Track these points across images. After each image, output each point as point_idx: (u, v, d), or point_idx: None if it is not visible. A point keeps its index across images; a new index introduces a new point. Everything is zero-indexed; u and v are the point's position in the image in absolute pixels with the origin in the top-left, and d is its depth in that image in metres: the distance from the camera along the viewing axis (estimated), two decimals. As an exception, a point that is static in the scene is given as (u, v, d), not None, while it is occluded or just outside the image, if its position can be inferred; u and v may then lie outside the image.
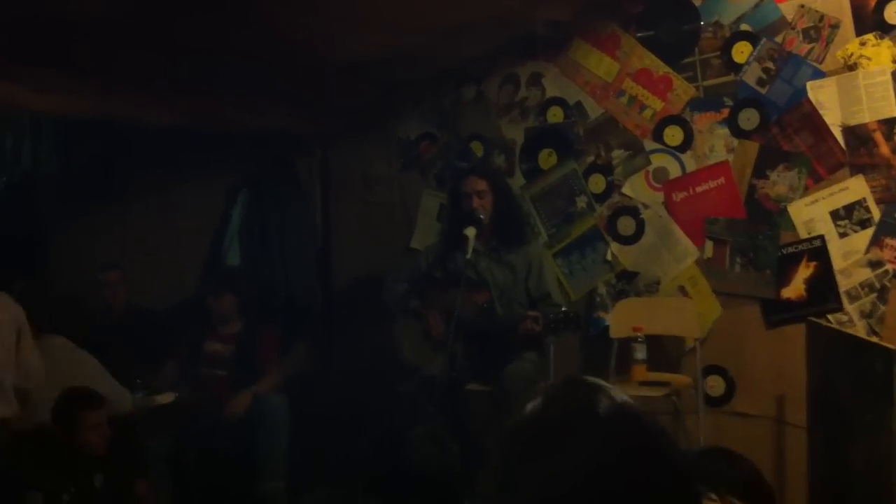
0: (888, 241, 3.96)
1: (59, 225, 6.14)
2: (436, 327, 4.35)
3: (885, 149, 3.95)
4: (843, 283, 4.04)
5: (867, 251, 4.01)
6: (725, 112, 4.32)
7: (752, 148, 4.26)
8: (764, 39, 4.21)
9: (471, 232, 4.20)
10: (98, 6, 3.60)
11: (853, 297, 4.02)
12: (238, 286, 5.13)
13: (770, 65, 4.20)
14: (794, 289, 4.16)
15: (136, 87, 4.52)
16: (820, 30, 4.07)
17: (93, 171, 5.99)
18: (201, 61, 4.38)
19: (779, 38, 4.18)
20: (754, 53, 4.23)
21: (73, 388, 3.80)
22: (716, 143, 4.36)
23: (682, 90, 4.43)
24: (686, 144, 4.44)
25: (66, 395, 3.76)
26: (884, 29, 3.95)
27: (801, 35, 4.13)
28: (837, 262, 4.06)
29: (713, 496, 2.03)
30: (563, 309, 4.12)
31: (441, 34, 4.54)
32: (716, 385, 4.36)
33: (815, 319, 3.90)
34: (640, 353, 4.21)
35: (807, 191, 4.14)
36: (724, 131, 4.33)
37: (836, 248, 4.07)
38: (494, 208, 4.36)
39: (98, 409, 3.76)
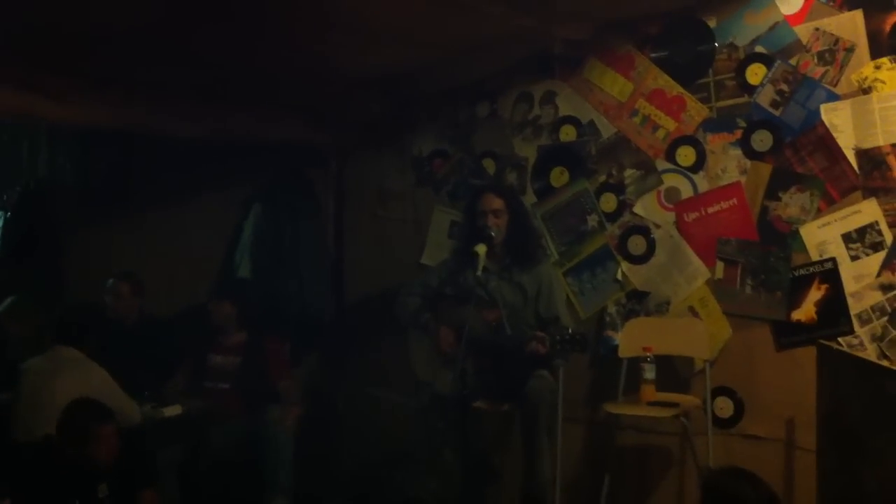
0: (900, 264, 3.95)
1: (74, 233, 6.17)
2: (445, 343, 4.35)
3: (898, 173, 3.94)
4: (855, 307, 4.02)
5: (879, 274, 3.99)
6: (739, 133, 4.32)
7: (765, 169, 4.26)
8: (778, 62, 4.22)
9: (481, 249, 4.21)
10: (117, 17, 3.64)
11: (864, 321, 4.00)
12: (238, 295, 5.10)
13: (784, 87, 4.20)
14: (805, 311, 4.15)
15: (154, 98, 4.57)
16: (835, 53, 4.08)
17: (109, 181, 6.03)
18: (219, 73, 4.42)
19: (793, 61, 4.19)
20: (768, 75, 4.24)
21: (80, 400, 3.80)
22: (728, 164, 4.36)
23: (696, 111, 4.44)
24: (699, 165, 4.44)
25: (74, 406, 3.75)
26: (899, 53, 3.95)
27: (815, 58, 4.13)
28: (849, 285, 4.05)
29: None
30: (570, 330, 4.12)
31: (457, 50, 4.57)
32: (725, 407, 4.34)
33: (825, 342, 3.88)
34: (650, 373, 4.20)
35: (819, 213, 4.13)
36: (737, 152, 4.33)
37: (847, 270, 4.05)
38: (509, 228, 4.37)
39: (108, 421, 3.76)
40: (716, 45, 4.37)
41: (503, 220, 4.36)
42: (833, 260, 4.08)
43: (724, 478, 2.38)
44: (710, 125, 4.40)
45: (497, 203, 4.36)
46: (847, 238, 4.06)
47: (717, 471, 2.89)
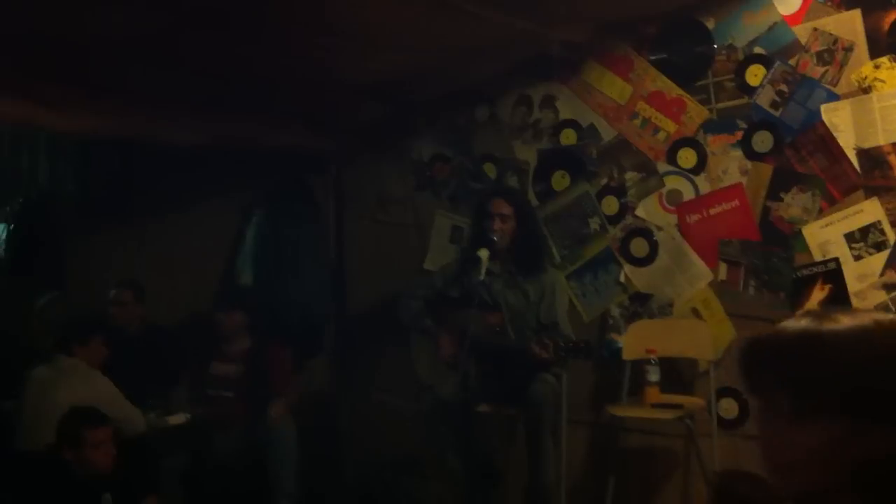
0: (903, 264, 3.95)
1: (76, 243, 6.17)
2: (447, 347, 4.34)
3: (899, 171, 3.94)
4: (858, 306, 4.02)
5: (882, 274, 3.99)
6: (739, 134, 4.32)
7: (766, 170, 4.25)
8: (777, 62, 4.21)
9: (483, 254, 4.20)
10: (115, 25, 3.63)
11: (868, 321, 3.99)
12: (247, 303, 5.11)
13: (784, 87, 4.20)
14: (809, 311, 4.14)
15: (154, 106, 4.55)
16: (834, 52, 4.08)
17: (110, 189, 6.02)
18: (218, 80, 4.41)
19: (792, 61, 4.18)
20: (768, 76, 4.24)
21: (76, 408, 3.81)
22: (729, 165, 4.35)
23: (696, 112, 4.43)
24: (699, 167, 4.43)
25: (69, 413, 3.76)
26: (898, 52, 3.95)
27: (814, 58, 4.13)
28: (852, 285, 4.05)
29: None
30: (573, 338, 4.12)
31: (455, 54, 4.56)
32: (729, 408, 4.33)
33: (829, 343, 3.87)
34: (654, 375, 4.19)
35: (821, 213, 4.13)
36: (738, 153, 4.33)
37: (850, 270, 4.05)
38: (515, 233, 4.36)
39: (102, 426, 3.75)
40: (714, 46, 4.37)
41: (509, 226, 4.35)
42: (836, 260, 4.08)
43: (734, 481, 2.38)
44: (710, 127, 4.40)
45: (505, 208, 4.35)
46: (850, 238, 4.05)
47: (726, 474, 2.90)
